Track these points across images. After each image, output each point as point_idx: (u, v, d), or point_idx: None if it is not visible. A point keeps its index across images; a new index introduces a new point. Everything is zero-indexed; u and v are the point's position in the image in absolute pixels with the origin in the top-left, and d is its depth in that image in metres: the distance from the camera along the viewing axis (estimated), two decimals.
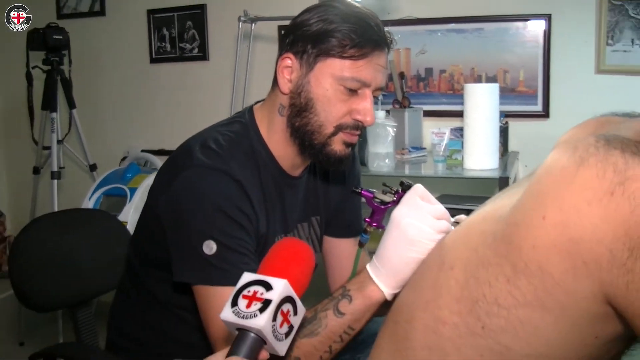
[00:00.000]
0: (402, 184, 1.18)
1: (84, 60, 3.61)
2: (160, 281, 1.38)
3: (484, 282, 0.89)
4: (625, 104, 2.81)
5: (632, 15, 2.66)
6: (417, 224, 1.07)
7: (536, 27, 2.84)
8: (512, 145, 2.86)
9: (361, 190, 1.25)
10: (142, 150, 3.60)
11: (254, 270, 1.23)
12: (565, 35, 2.82)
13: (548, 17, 2.81)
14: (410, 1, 3.00)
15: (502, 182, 2.25)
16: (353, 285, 1.12)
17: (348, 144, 1.32)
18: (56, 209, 2.95)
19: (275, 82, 1.34)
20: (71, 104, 3.24)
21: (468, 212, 2.27)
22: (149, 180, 3.03)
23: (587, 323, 0.84)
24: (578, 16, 2.79)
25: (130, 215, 2.82)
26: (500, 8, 2.89)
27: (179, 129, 3.44)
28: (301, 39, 1.28)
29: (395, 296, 1.10)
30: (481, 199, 2.47)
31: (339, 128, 1.29)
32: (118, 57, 3.73)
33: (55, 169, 3.07)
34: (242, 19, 2.94)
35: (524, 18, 2.86)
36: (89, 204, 2.98)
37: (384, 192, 1.22)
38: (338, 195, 1.56)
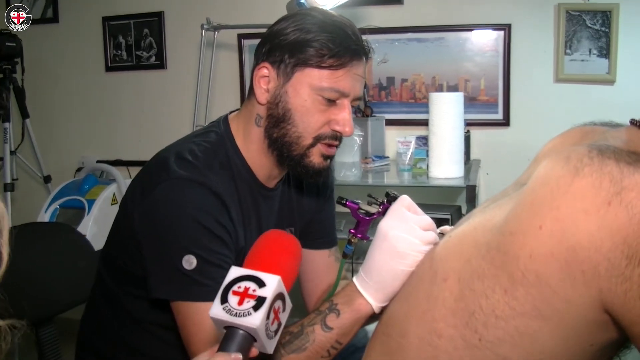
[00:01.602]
0: (387, 195, 1.16)
1: (37, 69, 3.50)
2: (135, 297, 1.33)
3: (480, 294, 0.89)
4: (583, 111, 2.90)
5: (589, 25, 2.72)
6: (405, 236, 1.06)
7: (496, 37, 2.88)
8: (474, 154, 2.89)
9: (346, 201, 1.24)
10: (98, 161, 3.51)
11: None
12: (524, 44, 2.86)
13: (508, 27, 2.85)
14: (371, 10, 3.00)
15: (469, 190, 2.27)
16: (340, 299, 1.10)
17: (326, 157, 1.30)
18: (10, 223, 2.84)
19: (251, 92, 1.31)
20: (24, 114, 3.16)
21: (438, 220, 2.29)
22: (108, 191, 2.97)
23: (585, 331, 0.84)
24: (537, 26, 2.83)
25: (89, 228, 2.76)
26: (461, 18, 2.92)
27: (136, 139, 3.39)
28: (278, 48, 1.26)
29: (383, 309, 1.09)
30: (447, 207, 2.51)
31: (318, 139, 1.27)
32: (72, 65, 3.64)
33: (8, 180, 3.00)
34: (205, 26, 2.90)
35: (484, 27, 2.90)
36: (45, 217, 2.90)
37: (369, 203, 1.21)
38: (312, 206, 1.54)
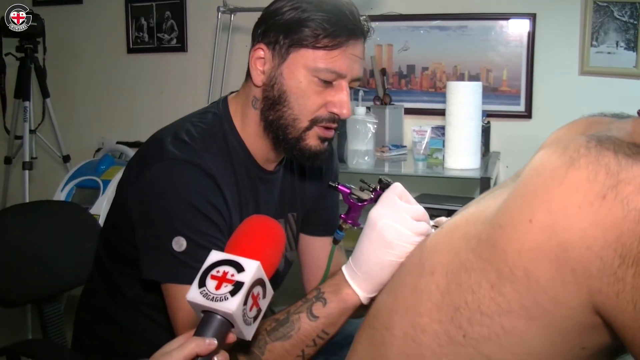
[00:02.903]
0: (380, 181, 1.13)
1: (59, 49, 3.53)
2: (129, 278, 1.32)
3: (466, 289, 0.85)
4: (608, 106, 2.79)
5: (617, 17, 2.64)
6: (395, 225, 1.02)
7: (520, 27, 2.81)
8: (494, 146, 2.84)
9: (338, 185, 1.20)
10: (118, 142, 3.51)
11: None
12: (549, 35, 2.79)
13: (533, 17, 2.78)
14: None
15: (484, 183, 2.22)
16: (328, 288, 1.07)
17: (323, 139, 1.28)
18: (27, 201, 2.88)
19: (248, 73, 1.30)
20: (45, 93, 3.17)
21: (449, 212, 2.25)
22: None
23: (575, 333, 0.80)
24: (563, 16, 2.76)
25: (103, 208, 2.76)
26: (484, 6, 2.86)
27: (156, 121, 3.33)
28: (273, 28, 1.23)
29: (371, 300, 1.06)
30: (461, 199, 2.46)
31: (314, 122, 1.25)
32: (94, 46, 3.65)
33: (27, 159, 3.01)
34: (222, 9, 2.88)
35: (509, 17, 2.83)
36: (60, 195, 2.91)
37: (362, 189, 1.17)
38: (315, 192, 1.51)
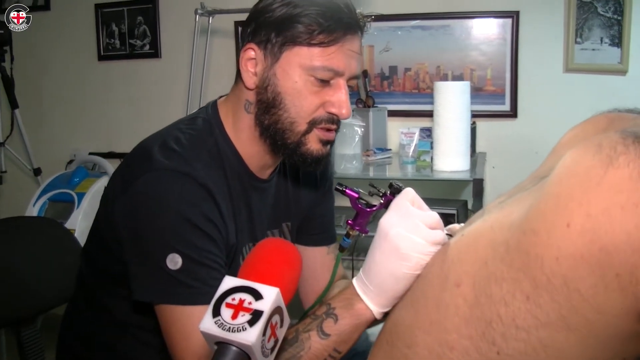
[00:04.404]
0: (391, 186, 1.06)
1: (28, 57, 3.43)
2: (117, 298, 1.24)
3: (498, 301, 0.78)
4: (594, 103, 2.77)
5: (601, 13, 2.62)
6: (409, 235, 0.94)
7: (504, 25, 2.78)
8: (480, 146, 2.81)
9: (345, 189, 1.13)
10: (90, 153, 3.42)
11: None
12: (533, 33, 2.77)
13: (516, 14, 2.75)
14: None
15: (477, 184, 2.17)
16: (339, 303, 1.01)
17: (325, 142, 1.20)
18: None
19: (238, 76, 1.22)
20: (13, 104, 3.08)
21: (441, 216, 2.19)
22: (99, 184, 2.90)
23: (616, 343, 0.75)
24: (546, 13, 2.74)
25: (78, 223, 2.67)
26: (466, 5, 2.83)
27: (130, 130, 3.31)
28: (264, 26, 1.16)
29: (385, 314, 0.98)
30: (452, 202, 2.41)
31: (313, 123, 1.18)
32: (64, 54, 3.55)
33: None
34: (199, 11, 2.80)
35: (491, 15, 2.80)
36: (33, 210, 2.82)
37: (371, 194, 1.10)
38: (310, 200, 1.45)
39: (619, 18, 2.60)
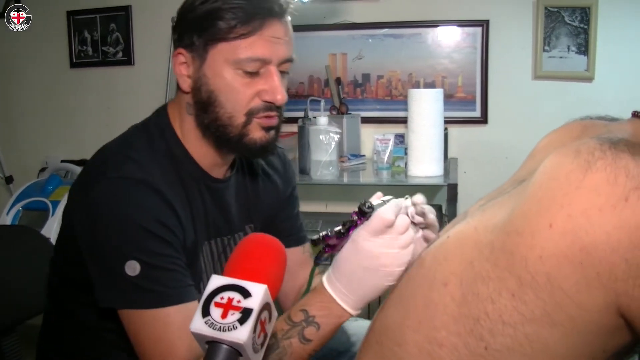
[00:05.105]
0: (359, 209, 1.04)
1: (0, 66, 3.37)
2: (85, 305, 1.24)
3: (485, 299, 0.82)
4: (561, 109, 2.86)
5: (568, 22, 2.70)
6: (390, 252, 0.98)
7: (474, 33, 2.84)
8: (452, 152, 2.85)
9: (325, 248, 1.08)
10: (62, 161, 3.37)
11: (188, 286, 1.13)
12: (502, 41, 2.84)
13: (485, 23, 2.82)
14: (347, 5, 2.95)
15: (451, 189, 2.22)
16: (318, 312, 1.02)
17: (268, 128, 1.21)
18: None
19: (177, 80, 1.24)
20: None
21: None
22: None
23: (597, 336, 0.79)
24: (515, 22, 2.81)
25: (53, 231, 2.65)
26: (437, 14, 2.88)
27: (103, 137, 3.15)
28: (187, 29, 1.18)
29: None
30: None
31: (251, 114, 1.19)
32: (35, 61, 3.50)
33: None
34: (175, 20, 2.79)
35: (462, 24, 2.86)
36: (6, 219, 2.78)
37: (344, 223, 1.08)
38: (272, 204, 1.46)
39: (585, 27, 2.69)
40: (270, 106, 1.19)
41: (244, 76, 1.16)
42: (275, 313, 0.81)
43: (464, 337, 0.84)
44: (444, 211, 2.44)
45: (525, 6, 2.78)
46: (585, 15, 2.68)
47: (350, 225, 1.02)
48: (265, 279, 0.79)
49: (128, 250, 1.09)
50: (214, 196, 1.30)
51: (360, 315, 1.08)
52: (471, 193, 2.62)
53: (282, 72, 1.20)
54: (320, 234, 1.05)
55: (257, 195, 1.42)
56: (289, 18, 1.21)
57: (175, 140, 1.25)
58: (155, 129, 1.26)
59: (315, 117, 2.55)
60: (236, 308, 0.75)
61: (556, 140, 1.09)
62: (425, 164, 2.40)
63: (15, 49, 3.51)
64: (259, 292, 0.76)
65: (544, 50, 2.76)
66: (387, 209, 1.00)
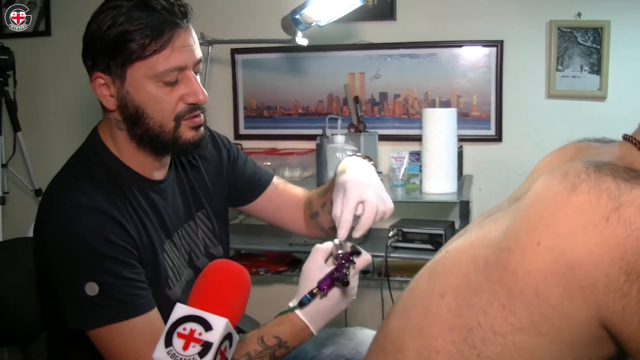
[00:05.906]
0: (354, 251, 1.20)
1: (29, 81, 3.48)
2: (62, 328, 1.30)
3: (478, 309, 0.89)
4: (574, 128, 2.89)
5: (581, 42, 2.75)
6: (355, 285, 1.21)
7: (488, 53, 2.89)
8: (467, 169, 2.89)
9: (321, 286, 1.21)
10: None
11: (148, 296, 1.20)
12: (516, 61, 2.88)
13: (500, 44, 2.86)
14: (364, 26, 3.01)
15: (463, 206, 2.27)
16: (290, 338, 1.19)
17: (197, 127, 1.29)
18: (0, 237, 2.82)
19: (100, 102, 1.29)
20: (16, 127, 3.14)
21: (430, 236, 2.30)
22: None
23: (583, 346, 0.85)
24: (529, 43, 2.85)
25: None
26: (453, 34, 2.93)
27: None
28: (100, 55, 1.22)
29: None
30: (440, 223, 2.52)
31: (178, 118, 1.26)
32: (65, 78, 3.59)
33: None
34: (200, 41, 2.88)
35: (477, 44, 2.91)
36: None
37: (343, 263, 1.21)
38: (215, 178, 1.54)
39: (598, 47, 2.73)
40: (195, 107, 1.27)
41: (165, 86, 1.23)
42: (236, 337, 0.86)
43: (458, 345, 0.91)
44: (457, 227, 2.49)
45: (538, 27, 2.82)
46: (597, 35, 2.72)
47: (350, 265, 1.16)
48: (227, 310, 0.84)
49: (85, 273, 1.16)
50: (159, 197, 1.36)
51: (365, 326, 1.23)
52: (486, 210, 2.66)
53: (196, 73, 1.27)
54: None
55: (201, 181, 1.50)
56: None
57: (110, 157, 1.31)
58: (90, 152, 1.32)
59: (333, 135, 2.61)
60: (197, 341, 0.80)
61: (553, 162, 1.15)
62: (439, 181, 2.45)
63: (46, 67, 3.61)
64: (219, 326, 0.81)
65: (557, 70, 2.80)
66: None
